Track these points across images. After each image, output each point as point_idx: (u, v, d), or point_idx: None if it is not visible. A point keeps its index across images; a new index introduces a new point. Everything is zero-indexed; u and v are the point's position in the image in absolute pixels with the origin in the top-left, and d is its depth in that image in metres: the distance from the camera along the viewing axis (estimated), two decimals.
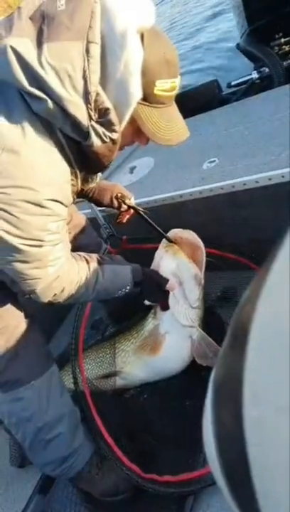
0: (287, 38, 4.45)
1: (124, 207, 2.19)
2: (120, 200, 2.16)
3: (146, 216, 2.17)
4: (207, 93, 4.92)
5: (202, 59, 9.33)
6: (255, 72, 4.62)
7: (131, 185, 2.98)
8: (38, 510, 1.99)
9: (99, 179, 1.81)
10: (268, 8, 4.54)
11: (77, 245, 2.27)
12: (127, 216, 2.23)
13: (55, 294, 1.58)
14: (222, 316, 2.32)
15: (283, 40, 4.46)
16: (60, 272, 1.54)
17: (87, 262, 1.72)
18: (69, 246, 1.64)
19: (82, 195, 2.08)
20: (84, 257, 1.73)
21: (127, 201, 2.16)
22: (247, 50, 4.89)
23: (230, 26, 8.70)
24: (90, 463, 1.85)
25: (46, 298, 1.57)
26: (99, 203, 2.21)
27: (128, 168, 3.23)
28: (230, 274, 2.44)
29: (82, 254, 1.75)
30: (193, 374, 2.07)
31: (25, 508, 2.01)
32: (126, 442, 1.88)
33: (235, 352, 0.35)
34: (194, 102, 4.52)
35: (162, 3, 16.79)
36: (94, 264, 1.73)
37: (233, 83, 4.92)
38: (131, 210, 2.21)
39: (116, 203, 2.17)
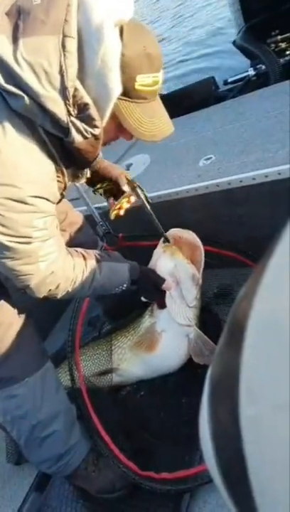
0: (284, 35, 4.45)
1: (126, 190, 2.09)
2: (128, 179, 2.10)
3: (148, 205, 2.10)
4: (204, 90, 4.92)
5: (199, 56, 9.33)
6: (251, 69, 4.61)
7: None
8: (35, 508, 1.99)
9: (89, 174, 1.80)
10: (264, 6, 4.55)
11: (73, 243, 2.26)
12: (127, 204, 2.14)
13: (50, 290, 1.58)
14: (219, 313, 2.33)
15: (279, 37, 4.46)
16: (54, 267, 1.53)
17: (84, 258, 1.71)
18: (62, 241, 1.63)
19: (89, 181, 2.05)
20: (82, 254, 1.72)
21: (136, 184, 2.10)
22: (244, 47, 4.90)
23: (227, 23, 8.70)
24: (87, 460, 1.85)
25: (41, 293, 1.57)
26: (105, 177, 2.11)
27: (124, 165, 3.22)
28: (227, 272, 2.44)
29: (79, 250, 1.74)
30: (190, 371, 2.08)
31: (21, 505, 2.01)
32: (123, 440, 1.88)
33: (232, 349, 0.35)
34: (190, 100, 4.54)
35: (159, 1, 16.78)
36: (91, 261, 1.72)
37: (229, 80, 4.91)
38: (131, 200, 2.12)
39: (124, 179, 2.09)
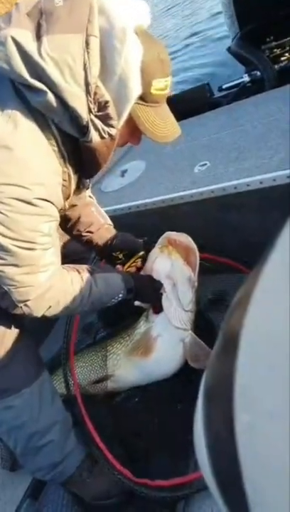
0: (278, 42, 4.48)
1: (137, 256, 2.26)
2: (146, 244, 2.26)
3: None
4: (199, 96, 4.93)
5: (194, 62, 9.35)
6: (246, 75, 4.62)
7: (122, 188, 2.98)
8: None
9: (91, 186, 1.82)
10: (259, 12, 4.56)
11: (68, 250, 2.26)
12: (139, 263, 2.28)
13: (50, 307, 1.57)
14: (214, 319, 2.32)
15: (274, 43, 4.48)
16: (53, 280, 1.52)
17: (78, 272, 1.71)
18: (60, 255, 1.63)
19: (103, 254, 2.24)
20: (75, 268, 1.72)
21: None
22: (238, 54, 4.92)
23: (221, 29, 8.73)
24: (82, 467, 1.84)
25: (40, 310, 1.55)
26: (128, 247, 2.28)
27: (119, 172, 3.23)
28: (221, 278, 2.43)
29: (71, 266, 1.74)
30: (185, 377, 2.07)
31: (16, 511, 1.99)
32: (118, 446, 1.87)
33: (226, 356, 0.35)
34: (185, 106, 4.52)
35: (153, 4, 16.83)
36: (85, 274, 1.72)
37: (224, 86, 4.92)
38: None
39: (141, 246, 2.27)
